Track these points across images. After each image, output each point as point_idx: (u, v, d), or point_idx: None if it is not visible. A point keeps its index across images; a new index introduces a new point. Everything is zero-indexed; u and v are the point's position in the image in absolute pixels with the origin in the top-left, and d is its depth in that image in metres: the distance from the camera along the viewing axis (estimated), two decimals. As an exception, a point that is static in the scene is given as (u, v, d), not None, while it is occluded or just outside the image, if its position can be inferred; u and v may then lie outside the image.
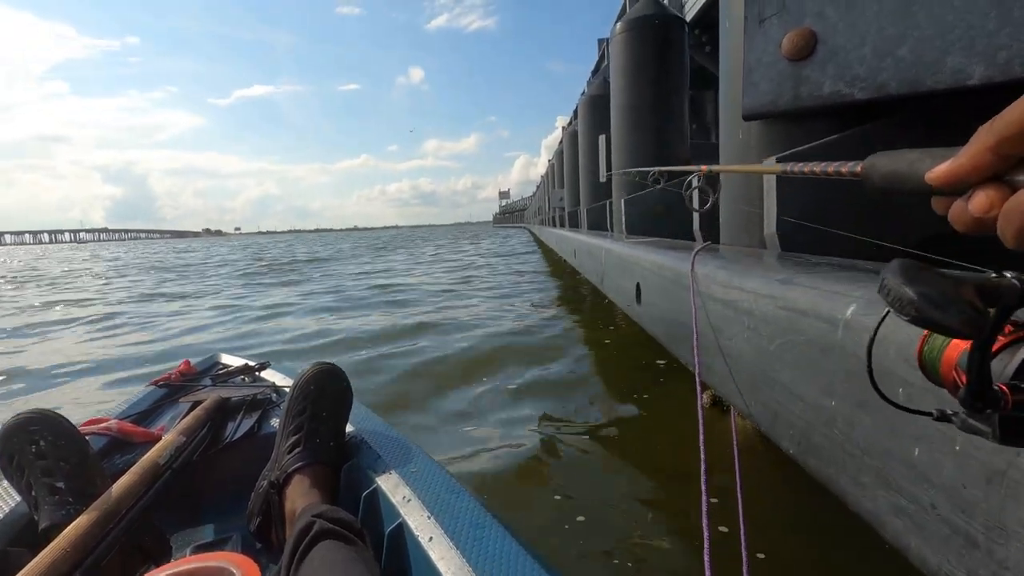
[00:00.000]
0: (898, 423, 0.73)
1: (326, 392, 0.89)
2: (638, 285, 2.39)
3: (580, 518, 1.41)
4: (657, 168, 2.05)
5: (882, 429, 0.76)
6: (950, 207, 0.28)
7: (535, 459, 1.79)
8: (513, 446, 1.89)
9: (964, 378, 0.30)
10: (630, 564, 1.23)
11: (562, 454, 1.83)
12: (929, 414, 0.34)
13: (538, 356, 3.07)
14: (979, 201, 0.25)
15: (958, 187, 0.27)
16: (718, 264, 1.50)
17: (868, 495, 0.80)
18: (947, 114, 1.73)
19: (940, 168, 0.27)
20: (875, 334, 0.41)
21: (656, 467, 1.72)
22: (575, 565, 1.24)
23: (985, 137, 0.25)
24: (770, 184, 1.86)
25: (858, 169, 0.44)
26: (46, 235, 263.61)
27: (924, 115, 1.76)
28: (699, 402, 1.10)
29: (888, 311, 0.30)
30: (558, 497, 1.54)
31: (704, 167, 1.43)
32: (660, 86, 4.58)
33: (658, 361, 2.72)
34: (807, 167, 0.71)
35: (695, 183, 1.40)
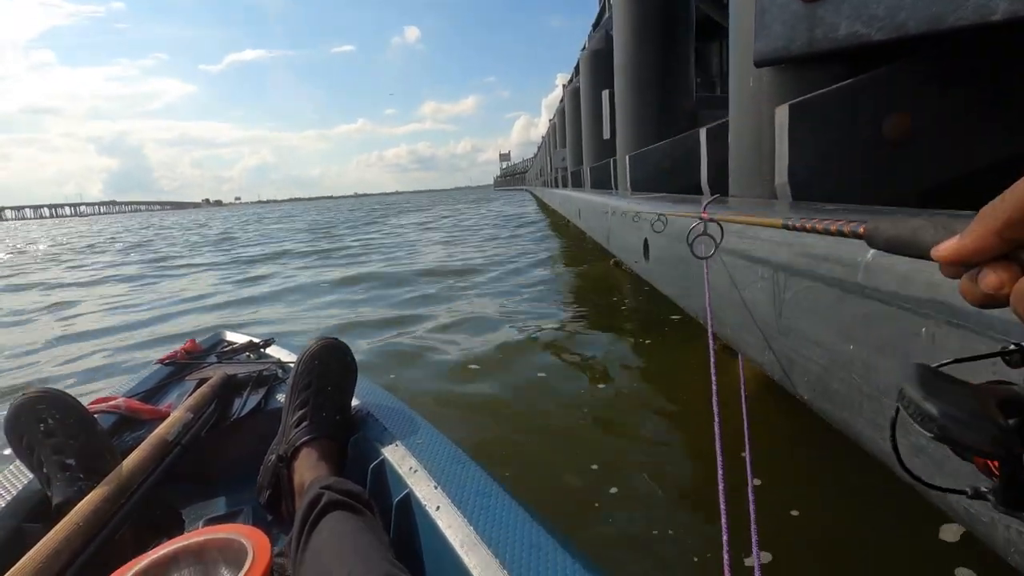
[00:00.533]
0: (919, 363, 0.73)
1: (330, 366, 0.89)
2: (646, 241, 2.36)
3: (594, 466, 1.44)
4: (658, 212, 2.07)
5: (902, 371, 0.75)
6: (958, 276, 0.28)
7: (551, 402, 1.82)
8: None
9: (996, 465, 0.29)
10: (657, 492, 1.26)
11: (574, 397, 1.85)
12: (963, 492, 0.34)
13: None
14: (989, 280, 0.26)
15: (964, 265, 0.27)
16: (732, 215, 1.48)
17: (886, 436, 0.80)
18: (968, 52, 1.67)
19: (946, 247, 0.28)
20: (895, 420, 0.40)
21: (669, 412, 1.74)
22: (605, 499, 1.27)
23: (989, 220, 0.25)
24: (782, 132, 1.81)
25: (860, 230, 0.46)
26: (46, 209, 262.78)
27: (943, 55, 1.70)
28: (711, 350, 1.10)
29: (899, 388, 0.30)
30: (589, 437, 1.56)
31: (705, 213, 1.39)
32: (665, 38, 4.43)
33: (672, 316, 2.72)
34: (808, 223, 0.71)
35: (698, 231, 1.36)
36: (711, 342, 1.23)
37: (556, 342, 2.57)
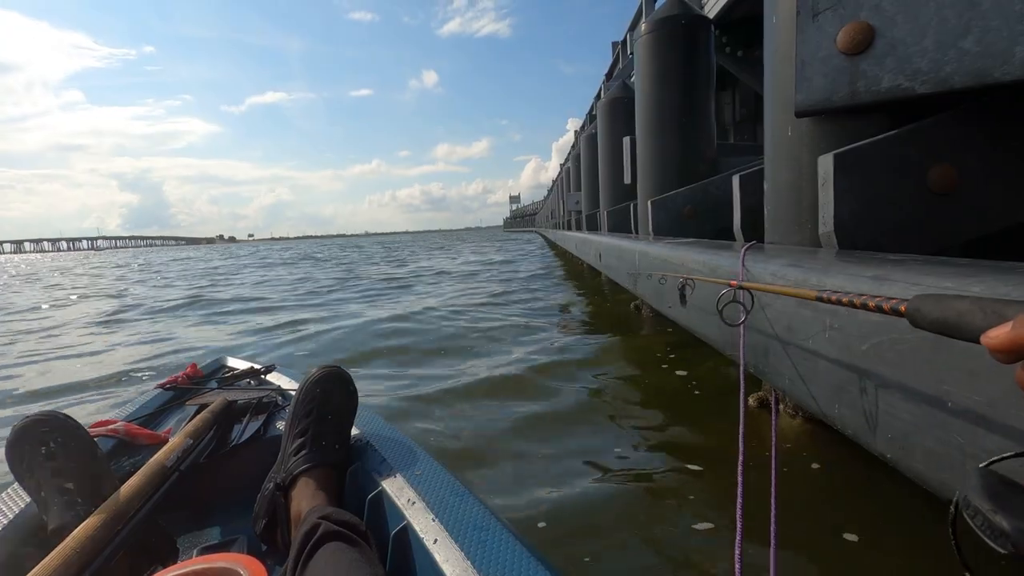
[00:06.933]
0: (1036, 425, 0.69)
1: (332, 395, 0.89)
2: (682, 286, 2.34)
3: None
4: (684, 276, 2.08)
5: (1015, 432, 0.72)
6: (1011, 363, 0.28)
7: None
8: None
9: None
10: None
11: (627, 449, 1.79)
12: None
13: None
14: None
15: (1019, 355, 0.27)
16: (784, 261, 1.46)
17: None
18: (1015, 105, 1.68)
19: (998, 335, 0.28)
20: (954, 520, 0.38)
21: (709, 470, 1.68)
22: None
23: None
24: (827, 181, 1.82)
25: (901, 308, 0.45)
26: (64, 243, 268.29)
27: (990, 106, 1.71)
28: (741, 399, 1.06)
29: (962, 496, 0.29)
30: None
31: (733, 282, 1.36)
32: (687, 88, 4.53)
33: (683, 374, 2.67)
34: (845, 298, 0.70)
35: (728, 298, 1.33)
36: (741, 404, 1.18)
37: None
